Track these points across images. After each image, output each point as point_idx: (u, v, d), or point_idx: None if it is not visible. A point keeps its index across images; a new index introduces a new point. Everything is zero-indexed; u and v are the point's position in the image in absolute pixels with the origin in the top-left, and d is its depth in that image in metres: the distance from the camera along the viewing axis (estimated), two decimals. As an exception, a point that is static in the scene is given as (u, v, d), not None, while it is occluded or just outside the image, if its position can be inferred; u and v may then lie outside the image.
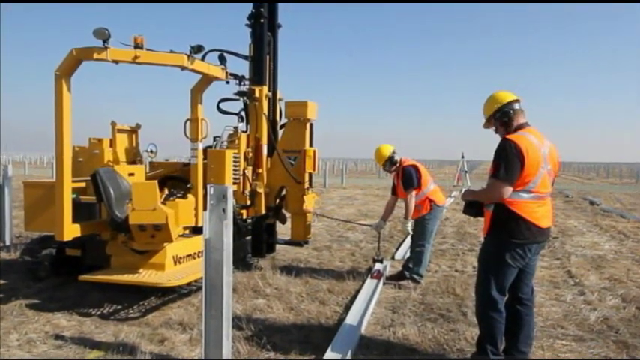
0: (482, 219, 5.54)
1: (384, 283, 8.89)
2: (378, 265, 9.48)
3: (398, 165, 9.28)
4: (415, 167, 9.14)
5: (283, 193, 10.18)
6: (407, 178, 9.00)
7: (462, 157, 36.43)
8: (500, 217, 5.20)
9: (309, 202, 9.99)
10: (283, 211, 10.33)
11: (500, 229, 5.22)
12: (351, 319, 6.89)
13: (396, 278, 9.09)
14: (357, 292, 8.24)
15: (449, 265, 10.63)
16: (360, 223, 11.28)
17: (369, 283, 8.64)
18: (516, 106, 5.38)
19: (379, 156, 9.39)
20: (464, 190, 6.13)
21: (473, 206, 5.60)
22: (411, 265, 9.04)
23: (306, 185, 9.97)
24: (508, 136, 5.16)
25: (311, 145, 10.11)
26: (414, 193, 8.95)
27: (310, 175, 10.11)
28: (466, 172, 35.70)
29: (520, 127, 5.30)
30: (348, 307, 7.50)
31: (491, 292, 5.27)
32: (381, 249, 9.98)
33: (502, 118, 5.36)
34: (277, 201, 10.16)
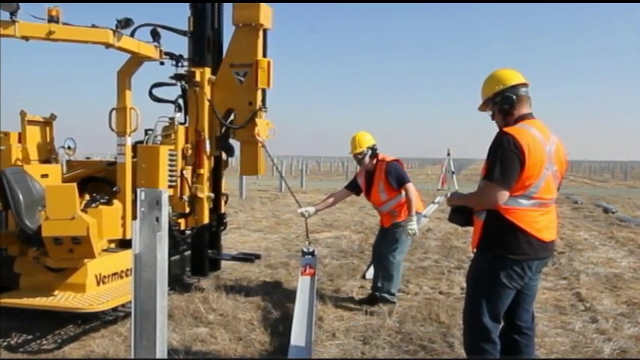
0: (471, 229, 5.48)
1: (361, 302, 8.94)
2: (307, 259, 9.19)
3: (379, 160, 9.40)
4: (400, 163, 9.36)
5: (231, 117, 9.86)
6: (398, 173, 9.16)
7: (448, 154, 36.65)
8: (493, 227, 5.13)
9: (262, 127, 9.61)
10: (231, 140, 10.03)
11: (493, 242, 5.15)
12: (296, 338, 6.99)
13: (368, 302, 9.14)
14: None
15: (432, 286, 10.70)
16: (296, 198, 11.12)
17: (302, 284, 8.60)
18: (522, 91, 5.30)
19: (361, 141, 9.37)
20: (450, 193, 6.11)
21: (461, 213, 5.58)
22: (380, 284, 9.15)
23: (259, 105, 9.63)
24: (506, 129, 5.09)
25: (265, 56, 9.77)
26: (410, 185, 9.13)
27: (264, 92, 9.80)
28: (453, 172, 35.93)
29: (522, 117, 5.23)
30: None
31: (483, 319, 5.19)
32: (310, 238, 9.77)
33: (502, 103, 5.29)
34: (223, 129, 9.88)
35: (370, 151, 9.35)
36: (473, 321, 5.32)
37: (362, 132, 9.47)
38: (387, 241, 9.28)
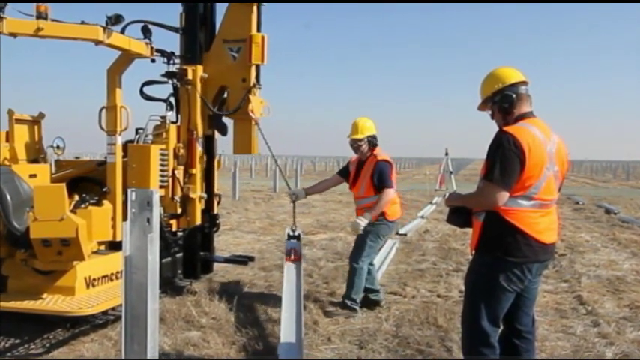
0: (470, 230, 5.47)
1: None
2: (291, 243, 8.97)
3: (372, 154, 9.25)
4: (391, 165, 9.19)
5: (224, 95, 9.83)
6: (382, 175, 9.00)
7: (446, 154, 36.62)
8: (492, 228, 5.12)
9: (256, 105, 9.40)
10: (224, 119, 9.95)
11: (492, 244, 5.13)
12: (286, 335, 7.00)
13: (340, 305, 9.18)
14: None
15: (429, 289, 10.68)
16: (286, 181, 11.02)
17: (288, 271, 8.43)
18: (522, 89, 5.28)
19: (363, 127, 9.22)
20: (448, 194, 6.09)
21: (459, 214, 5.57)
22: (347, 290, 9.11)
23: (253, 82, 9.46)
24: (506, 129, 5.08)
25: (259, 31, 9.59)
26: (389, 191, 8.96)
27: (258, 68, 9.64)
28: (451, 172, 35.92)
29: (523, 116, 5.22)
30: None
31: (482, 322, 5.17)
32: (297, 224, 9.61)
33: (502, 102, 5.27)
34: (216, 107, 9.77)
35: (370, 141, 9.22)
36: (471, 324, 5.30)
37: (365, 118, 9.34)
38: (355, 243, 9.24)
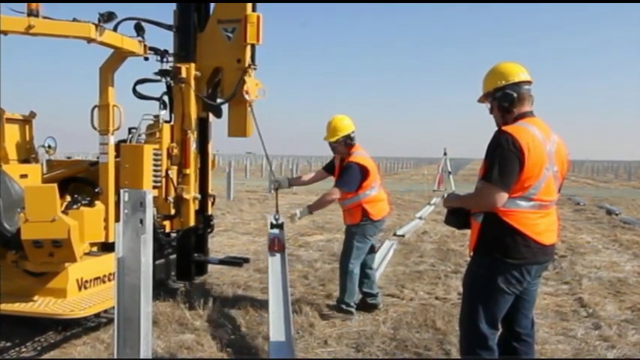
0: (469, 231, 5.44)
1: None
2: (274, 232, 9.00)
3: (350, 153, 9.11)
4: (362, 168, 8.97)
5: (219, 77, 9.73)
6: (343, 173, 8.99)
7: (445, 154, 36.60)
8: (491, 230, 5.10)
9: (251, 87, 9.30)
10: (219, 99, 9.82)
11: (491, 245, 5.11)
12: (276, 333, 7.04)
13: (335, 309, 9.20)
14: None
15: (427, 292, 10.68)
16: (271, 169, 10.85)
17: (272, 263, 8.47)
18: (524, 89, 5.25)
19: (337, 128, 9.11)
20: (447, 194, 6.07)
21: (458, 215, 5.55)
22: (341, 295, 9.13)
23: (248, 62, 9.37)
24: (505, 128, 5.05)
25: (254, 10, 9.48)
26: (335, 190, 8.95)
27: (253, 48, 9.57)
28: (449, 172, 35.80)
29: (522, 115, 5.20)
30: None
31: (480, 325, 5.16)
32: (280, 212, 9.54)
33: (502, 100, 5.24)
34: (210, 89, 9.78)
35: (344, 141, 9.08)
36: (469, 327, 5.29)
37: (340, 116, 9.22)
38: (343, 245, 9.22)
